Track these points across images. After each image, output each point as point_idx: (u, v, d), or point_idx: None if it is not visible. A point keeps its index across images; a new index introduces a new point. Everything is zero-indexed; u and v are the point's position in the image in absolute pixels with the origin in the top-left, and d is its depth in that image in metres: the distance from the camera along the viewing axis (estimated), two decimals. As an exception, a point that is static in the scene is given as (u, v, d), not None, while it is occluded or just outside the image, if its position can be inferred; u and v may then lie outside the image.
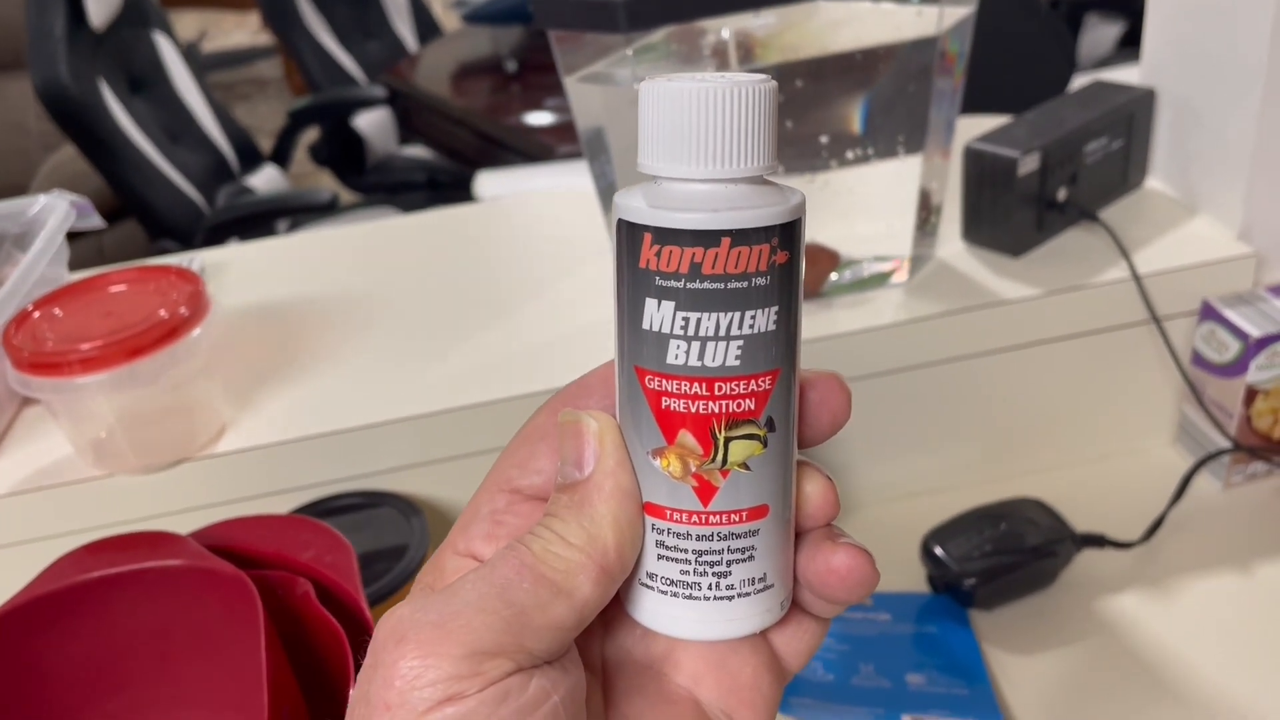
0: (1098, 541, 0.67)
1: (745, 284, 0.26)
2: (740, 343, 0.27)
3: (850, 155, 0.69)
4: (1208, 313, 0.70)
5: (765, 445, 0.28)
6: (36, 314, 0.63)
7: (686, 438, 0.27)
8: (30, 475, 0.65)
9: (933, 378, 0.71)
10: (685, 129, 0.26)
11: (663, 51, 0.70)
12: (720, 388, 0.27)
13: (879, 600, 0.67)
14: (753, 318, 0.26)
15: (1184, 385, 0.73)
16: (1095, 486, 0.74)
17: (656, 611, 0.29)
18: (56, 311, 0.63)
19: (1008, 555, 0.65)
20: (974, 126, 0.80)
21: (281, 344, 0.77)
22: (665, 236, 0.26)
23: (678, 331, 0.27)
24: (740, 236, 0.26)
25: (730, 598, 0.28)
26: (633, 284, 0.27)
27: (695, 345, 0.27)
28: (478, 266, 0.87)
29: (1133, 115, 0.76)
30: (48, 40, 1.75)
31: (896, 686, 0.60)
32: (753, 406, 0.27)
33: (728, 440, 0.27)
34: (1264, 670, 0.60)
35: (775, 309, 0.27)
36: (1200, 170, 0.75)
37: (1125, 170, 0.78)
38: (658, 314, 0.27)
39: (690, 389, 0.27)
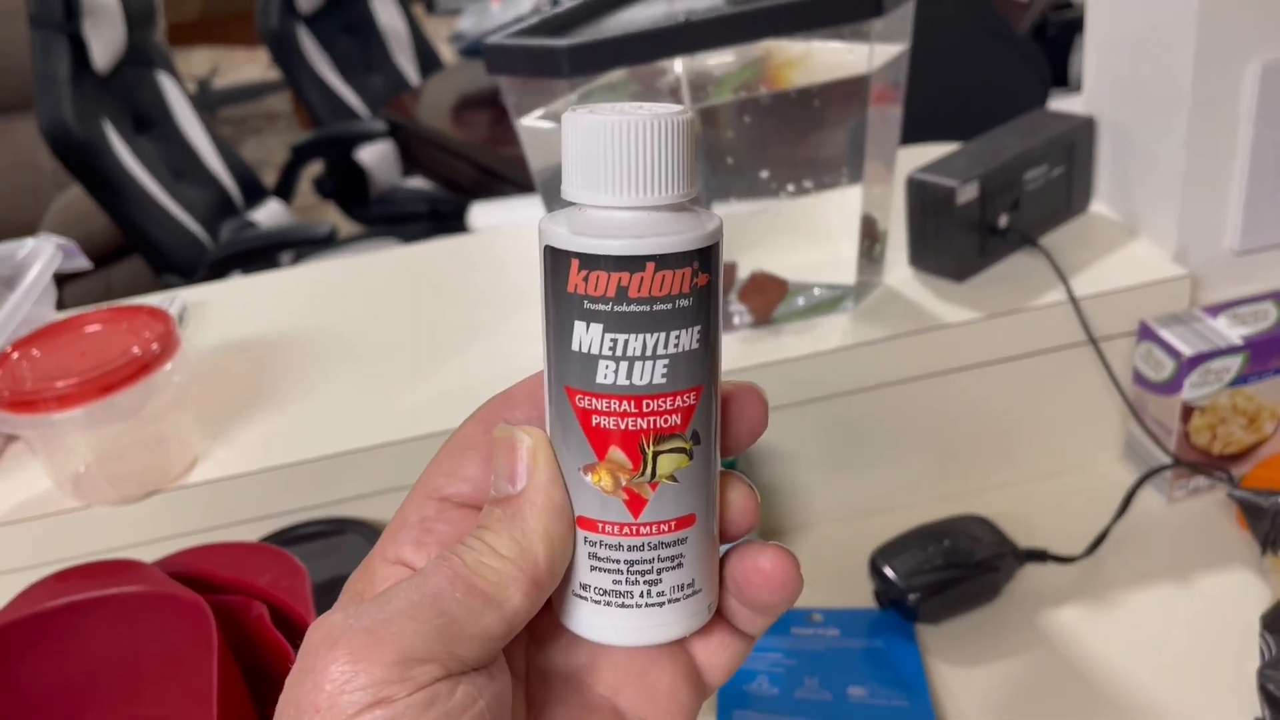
0: (1040, 556, 0.70)
1: (670, 306, 0.28)
2: (666, 361, 0.28)
3: (798, 186, 0.72)
4: (1145, 333, 0.72)
5: (691, 458, 0.29)
6: (15, 354, 0.66)
7: (616, 453, 0.29)
8: (13, 508, 0.69)
9: (880, 400, 0.74)
10: (609, 159, 0.27)
11: (622, 91, 0.73)
12: (648, 405, 0.28)
13: (828, 616, 0.69)
14: (677, 337, 0.28)
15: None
16: (1044, 503, 0.76)
17: (591, 621, 0.30)
18: (35, 352, 0.66)
19: (951, 570, 0.67)
20: (928, 155, 0.82)
21: (255, 377, 0.80)
22: (592, 262, 0.27)
23: (606, 352, 0.28)
24: (664, 261, 0.27)
25: (661, 604, 0.30)
26: (561, 307, 0.28)
27: (624, 365, 0.28)
28: (454, 297, 0.90)
29: (1073, 143, 0.78)
30: (53, 84, 1.80)
31: (838, 699, 0.62)
32: (679, 421, 0.29)
33: (656, 454, 0.29)
34: (1201, 681, 0.62)
35: (698, 328, 0.28)
36: (1138, 195, 0.78)
37: (1069, 196, 0.80)
38: (586, 336, 0.28)
39: (619, 407, 0.28)
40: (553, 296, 0.29)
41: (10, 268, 0.83)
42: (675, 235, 0.27)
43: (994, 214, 0.75)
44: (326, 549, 0.68)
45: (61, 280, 0.83)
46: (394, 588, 0.28)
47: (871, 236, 0.75)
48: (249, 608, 0.53)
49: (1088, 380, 0.76)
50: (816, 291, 0.75)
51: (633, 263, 0.27)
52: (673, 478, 0.29)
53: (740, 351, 0.72)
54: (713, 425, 0.30)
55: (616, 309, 0.28)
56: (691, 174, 0.28)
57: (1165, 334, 0.71)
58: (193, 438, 0.71)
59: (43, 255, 0.81)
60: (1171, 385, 0.70)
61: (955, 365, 0.73)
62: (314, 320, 0.89)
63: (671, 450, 0.29)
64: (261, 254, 2.03)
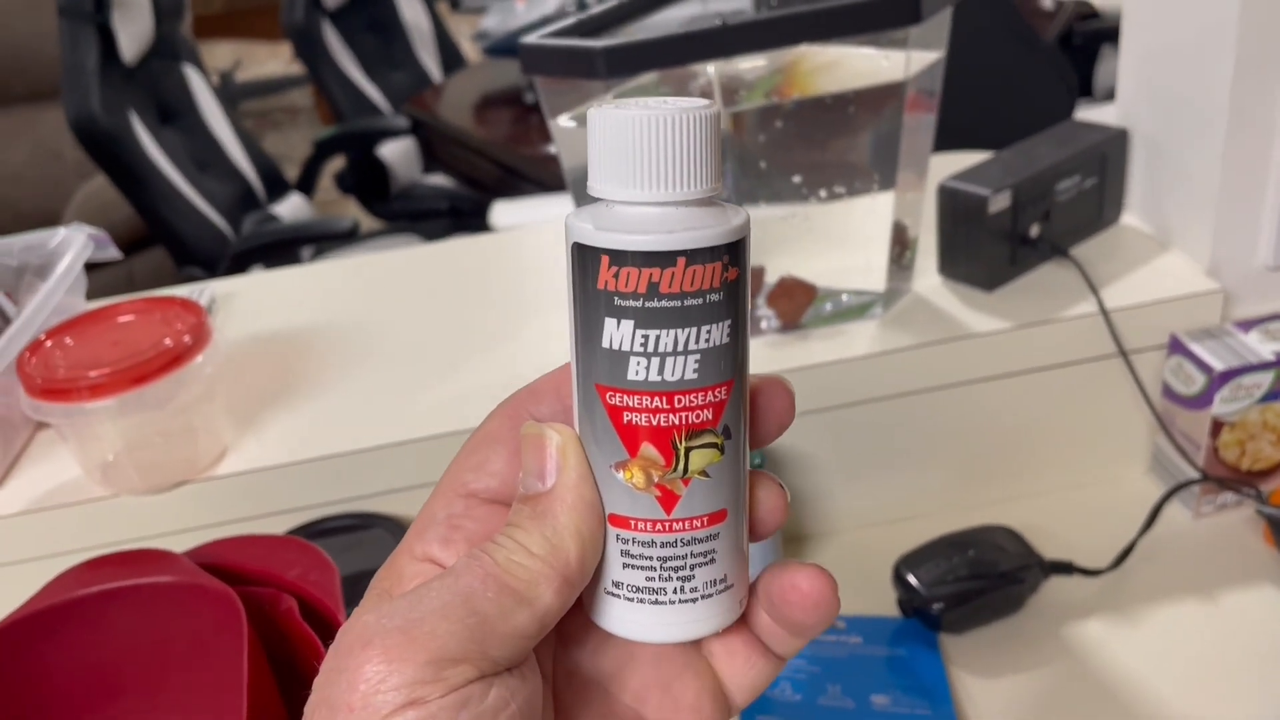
0: (1065, 569, 0.69)
1: (701, 300, 0.28)
2: (698, 356, 0.28)
3: (829, 192, 0.72)
4: (1175, 347, 0.72)
5: (723, 452, 0.29)
6: (49, 343, 0.66)
7: (649, 450, 0.29)
8: (42, 495, 0.69)
9: (907, 408, 0.73)
10: (638, 154, 0.27)
11: (653, 94, 0.73)
12: (680, 400, 0.28)
13: (851, 623, 0.69)
14: (708, 332, 0.28)
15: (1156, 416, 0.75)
16: (1069, 515, 0.76)
17: (623, 619, 0.30)
18: (68, 340, 0.67)
19: (975, 580, 0.67)
20: (959, 163, 0.82)
21: (285, 370, 0.80)
22: (623, 258, 0.27)
23: (637, 349, 0.28)
24: (695, 256, 0.27)
25: (694, 600, 0.30)
26: (589, 304, 0.28)
27: (655, 361, 0.28)
28: (480, 295, 0.91)
29: (1106, 155, 0.78)
30: (80, 74, 1.81)
31: (861, 706, 0.62)
32: (710, 416, 0.29)
33: (688, 450, 0.29)
34: (1225, 699, 0.62)
35: (729, 322, 0.28)
36: (1171, 208, 0.78)
37: (1100, 207, 0.80)
38: (617, 333, 0.28)
39: (651, 403, 0.28)
40: (581, 293, 0.28)
41: (42, 256, 0.84)
42: (705, 230, 0.27)
43: (1025, 224, 0.75)
44: (352, 543, 0.68)
45: (84, 270, 0.84)
46: (425, 586, 0.28)
47: (902, 244, 0.75)
48: (278, 600, 0.54)
49: (1116, 393, 0.75)
50: (845, 297, 0.75)
51: (664, 258, 0.27)
52: (705, 473, 0.29)
53: (767, 356, 0.72)
54: (742, 419, 0.30)
55: (647, 305, 0.27)
56: (719, 168, 0.28)
57: (1196, 348, 0.70)
58: (222, 429, 0.71)
59: (74, 244, 0.81)
60: (1201, 400, 0.70)
61: (983, 375, 0.73)
62: (342, 315, 0.89)
63: (703, 445, 0.29)
64: (283, 247, 2.04)
